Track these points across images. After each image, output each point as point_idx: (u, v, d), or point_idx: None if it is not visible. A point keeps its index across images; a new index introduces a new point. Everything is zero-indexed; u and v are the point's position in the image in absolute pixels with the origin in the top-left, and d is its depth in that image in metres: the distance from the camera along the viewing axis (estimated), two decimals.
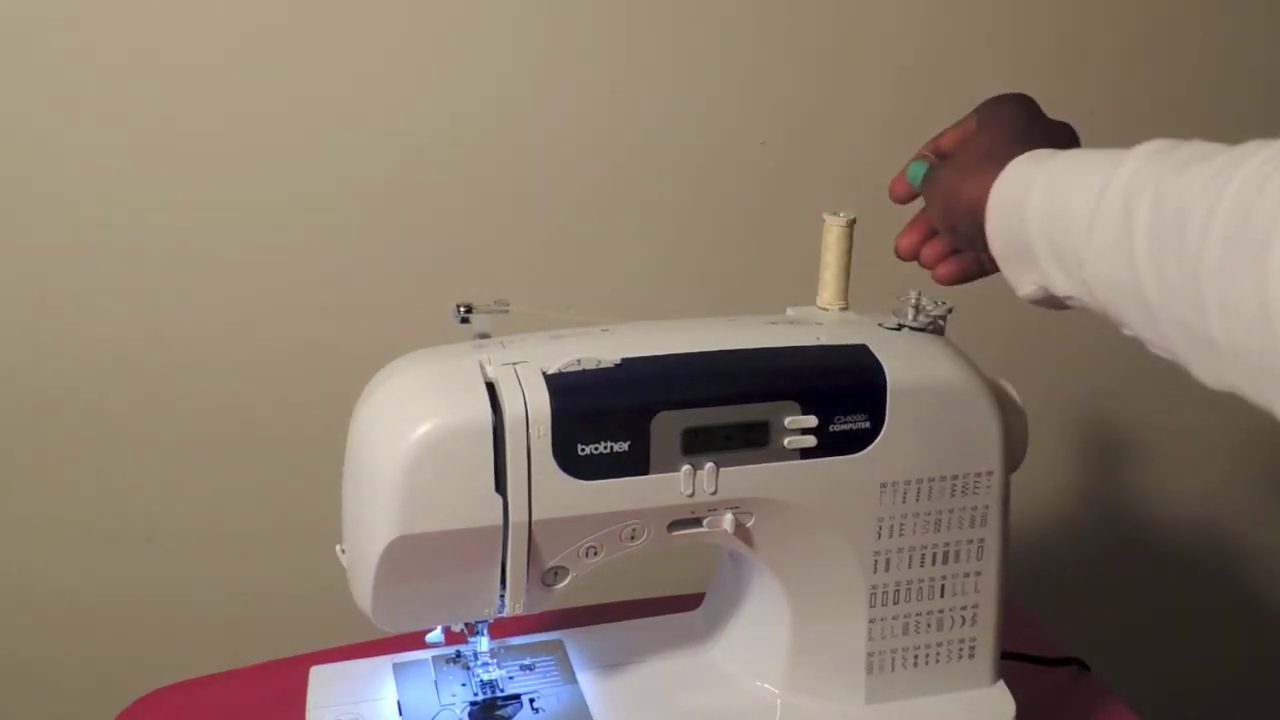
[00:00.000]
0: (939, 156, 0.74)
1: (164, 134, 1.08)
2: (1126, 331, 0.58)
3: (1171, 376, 1.58)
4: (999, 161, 0.64)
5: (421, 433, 0.67)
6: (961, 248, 0.72)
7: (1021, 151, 0.64)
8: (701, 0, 1.15)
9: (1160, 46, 1.28)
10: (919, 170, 0.73)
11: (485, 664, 0.83)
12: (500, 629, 0.84)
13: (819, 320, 0.80)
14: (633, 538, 0.74)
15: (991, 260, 0.69)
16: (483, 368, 0.70)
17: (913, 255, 0.75)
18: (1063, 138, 0.68)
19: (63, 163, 1.07)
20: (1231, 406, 1.60)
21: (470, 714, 0.80)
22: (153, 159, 1.08)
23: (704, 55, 1.17)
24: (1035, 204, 0.60)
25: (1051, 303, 0.64)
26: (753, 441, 0.72)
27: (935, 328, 0.80)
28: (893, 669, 0.81)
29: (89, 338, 1.12)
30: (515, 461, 0.68)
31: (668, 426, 0.70)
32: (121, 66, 1.05)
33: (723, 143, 1.20)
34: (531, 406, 0.68)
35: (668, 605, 0.93)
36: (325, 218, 1.13)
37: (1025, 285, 0.64)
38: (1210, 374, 0.52)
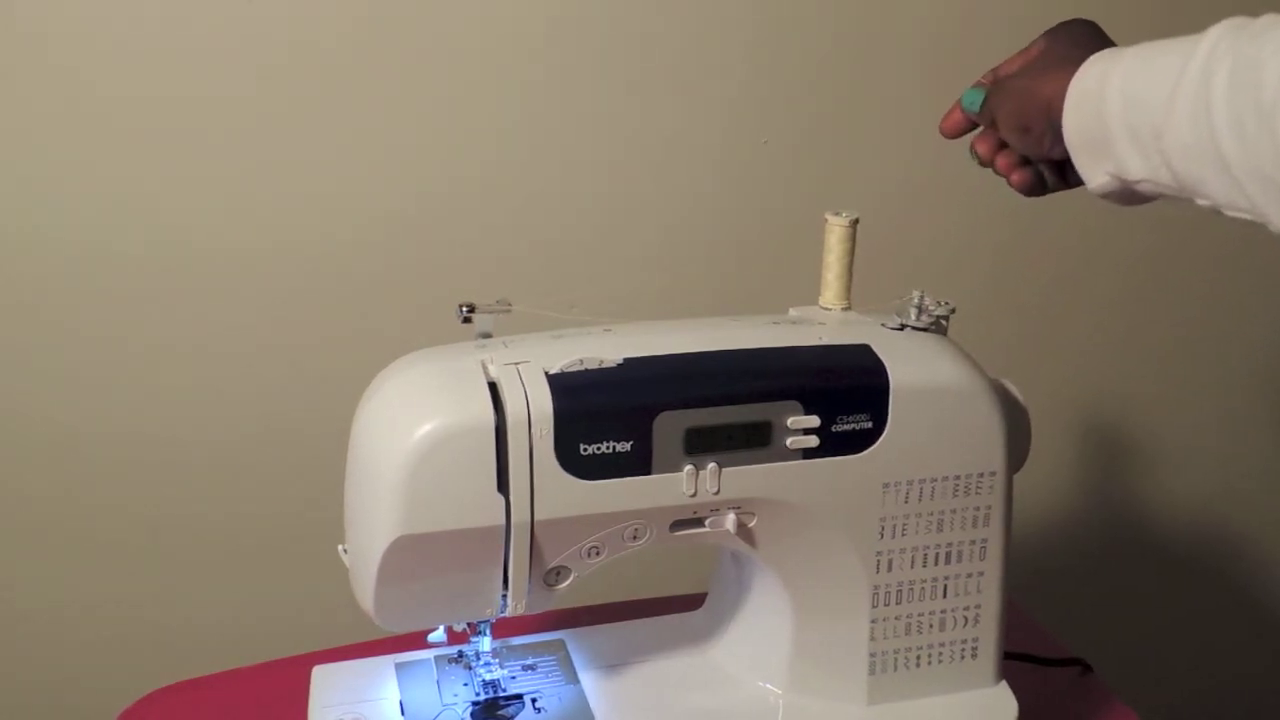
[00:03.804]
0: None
1: (164, 135, 1.08)
2: (1201, 201, 0.61)
3: (1174, 376, 1.58)
4: (1076, 62, 0.67)
5: (424, 432, 0.67)
6: (1029, 152, 0.73)
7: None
8: (702, 1, 1.15)
9: None
10: (977, 96, 0.74)
11: (487, 664, 0.82)
12: (502, 629, 0.84)
13: (821, 320, 0.80)
14: (635, 538, 0.74)
15: (1050, 172, 0.73)
16: (485, 367, 0.70)
17: (991, 159, 0.76)
18: None
19: (61, 167, 1.07)
20: (1234, 407, 1.60)
21: (472, 714, 0.80)
22: (151, 160, 1.08)
23: (705, 55, 1.17)
24: (1115, 88, 0.63)
25: (1122, 194, 0.67)
26: (755, 441, 0.72)
27: (938, 328, 0.79)
28: (895, 669, 0.81)
29: (88, 338, 1.12)
30: (517, 461, 0.68)
31: (670, 426, 0.70)
32: (121, 69, 1.05)
33: (724, 143, 1.20)
34: (534, 406, 0.68)
35: (670, 605, 0.93)
36: (326, 218, 1.13)
37: (1098, 176, 0.66)
38: None
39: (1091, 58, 0.66)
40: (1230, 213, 0.59)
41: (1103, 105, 0.63)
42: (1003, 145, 0.75)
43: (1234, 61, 0.56)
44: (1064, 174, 0.73)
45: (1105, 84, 0.63)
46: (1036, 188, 0.75)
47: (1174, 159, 0.60)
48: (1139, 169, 0.63)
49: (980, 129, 0.76)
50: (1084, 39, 0.70)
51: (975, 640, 0.82)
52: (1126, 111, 0.62)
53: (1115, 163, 0.64)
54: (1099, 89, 0.64)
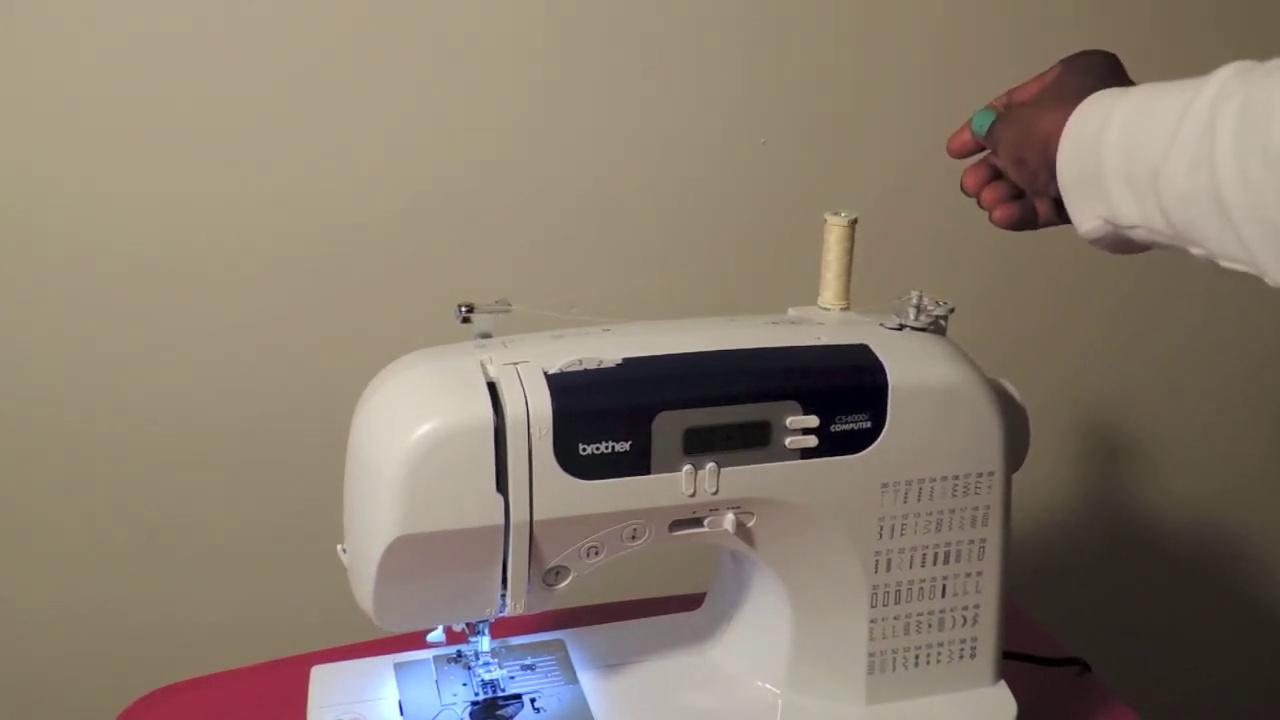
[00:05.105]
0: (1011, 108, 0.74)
1: (163, 134, 1.08)
2: (1195, 250, 0.58)
3: (1173, 377, 1.58)
4: (1081, 97, 0.65)
5: (423, 433, 0.67)
6: (1024, 185, 0.72)
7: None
8: (702, 1, 1.15)
9: (1172, 49, 1.28)
10: (986, 119, 0.73)
11: (486, 664, 0.83)
12: (501, 628, 0.84)
13: (820, 320, 0.80)
14: (634, 537, 0.74)
15: (1046, 206, 0.71)
16: (484, 367, 0.70)
17: (977, 191, 0.76)
18: None
19: (60, 167, 1.07)
20: (1234, 407, 1.59)
21: (471, 714, 0.80)
22: (150, 160, 1.08)
23: (704, 55, 1.17)
24: (1114, 128, 0.61)
25: (1113, 241, 0.65)
26: (754, 441, 0.72)
27: (936, 328, 0.79)
28: (894, 669, 0.81)
29: (88, 338, 1.12)
30: (516, 461, 0.68)
31: (669, 426, 0.70)
32: (121, 69, 1.05)
33: (723, 143, 1.20)
34: (533, 406, 0.68)
35: (669, 605, 0.93)
36: (326, 218, 1.13)
37: (1089, 220, 0.65)
38: None
39: (1093, 95, 0.64)
40: (1225, 263, 0.57)
41: (1099, 145, 0.62)
42: (994, 177, 0.74)
43: (1243, 102, 0.53)
44: (1061, 209, 0.70)
45: (1104, 123, 0.62)
46: (1021, 224, 0.74)
47: (1169, 203, 0.57)
48: (1132, 213, 0.61)
49: (985, 152, 0.75)
50: (1097, 72, 0.68)
51: (974, 640, 0.82)
52: (1123, 151, 0.60)
53: (1108, 205, 0.62)
54: (1097, 128, 0.62)
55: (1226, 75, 0.56)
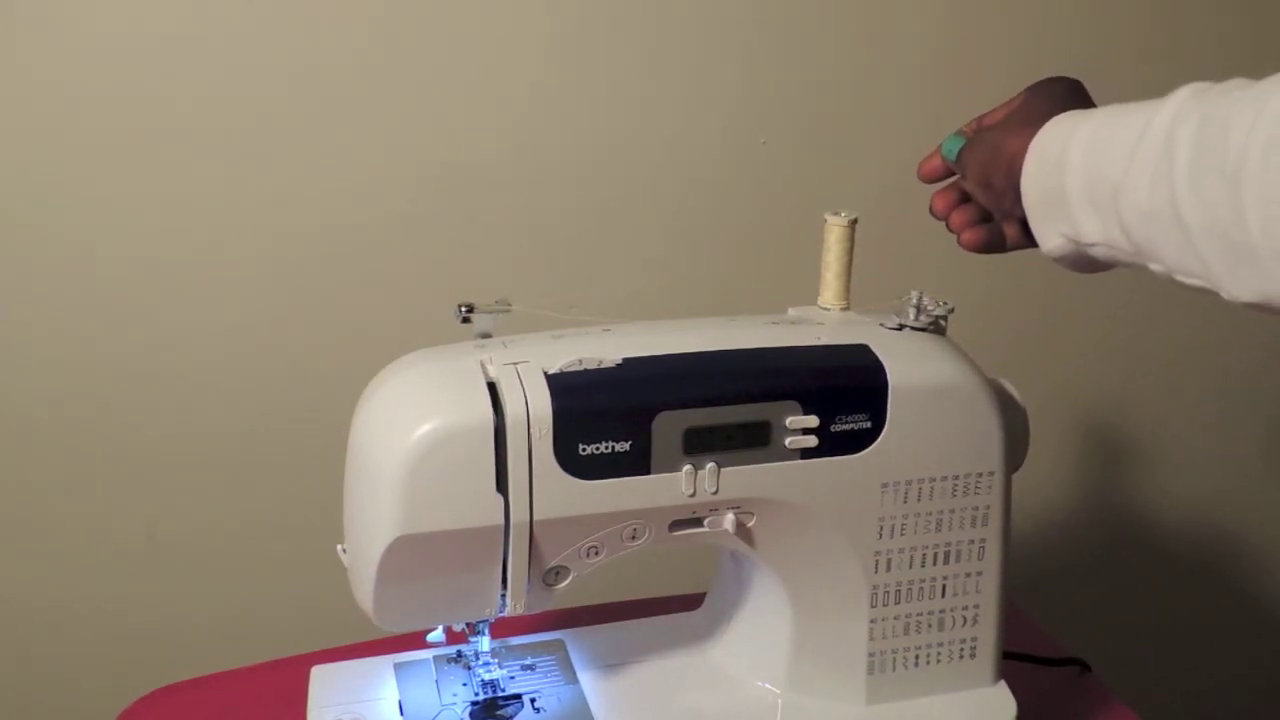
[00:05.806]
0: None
1: (164, 134, 1.08)
2: (1154, 266, 0.59)
3: (1173, 377, 1.58)
4: (1045, 120, 0.66)
5: (423, 432, 0.67)
6: (992, 208, 0.73)
7: None
8: (702, 1, 1.15)
9: (1171, 49, 1.28)
10: (955, 144, 0.74)
11: (486, 664, 0.83)
12: (501, 628, 0.84)
13: (820, 320, 0.80)
14: (634, 537, 0.74)
15: (1014, 229, 0.73)
16: (484, 367, 0.70)
17: (945, 214, 0.77)
18: None
19: (61, 169, 1.07)
20: (1233, 407, 1.59)
21: (471, 714, 0.80)
22: (151, 159, 1.08)
23: (705, 56, 1.17)
24: (1077, 148, 0.62)
25: (1077, 260, 0.67)
26: (754, 441, 0.72)
27: (936, 328, 0.80)
28: (894, 669, 0.81)
29: (89, 338, 1.12)
30: (516, 461, 0.68)
31: (669, 426, 0.70)
32: (121, 69, 1.05)
33: (723, 143, 1.20)
34: (533, 406, 0.68)
35: (669, 605, 0.93)
36: (326, 218, 1.13)
37: (1052, 238, 0.66)
38: (1246, 286, 0.54)
39: (1057, 117, 0.66)
40: (1182, 278, 0.58)
41: (1063, 164, 0.63)
42: (963, 200, 0.76)
43: (1200, 121, 0.54)
44: (1028, 232, 0.71)
45: (1067, 144, 0.63)
46: (989, 247, 0.75)
47: (1130, 220, 0.59)
48: (1094, 231, 0.62)
49: (955, 176, 0.76)
50: (1062, 97, 0.69)
51: (974, 640, 0.82)
52: (1085, 171, 0.61)
53: (1071, 224, 0.64)
54: (1060, 148, 0.63)
55: (1185, 95, 0.57)
